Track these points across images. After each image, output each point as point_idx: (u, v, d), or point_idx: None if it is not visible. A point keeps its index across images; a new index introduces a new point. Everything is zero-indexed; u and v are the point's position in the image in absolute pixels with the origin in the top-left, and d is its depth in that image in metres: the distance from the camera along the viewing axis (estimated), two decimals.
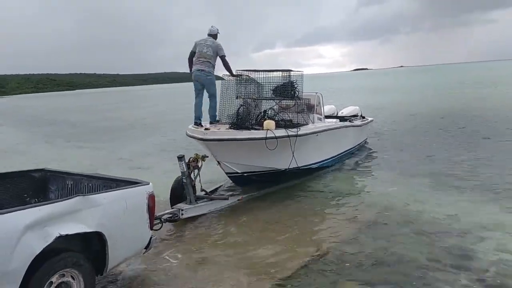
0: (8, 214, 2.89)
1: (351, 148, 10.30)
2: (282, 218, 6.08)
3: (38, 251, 2.94)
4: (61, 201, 3.31)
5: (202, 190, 6.73)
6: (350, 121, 10.61)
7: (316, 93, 9.02)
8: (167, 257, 4.90)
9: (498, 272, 4.06)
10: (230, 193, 7.64)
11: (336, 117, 11.00)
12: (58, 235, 3.07)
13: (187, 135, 7.36)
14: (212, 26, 8.03)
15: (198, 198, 6.47)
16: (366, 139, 11.95)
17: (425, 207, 6.07)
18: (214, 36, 7.92)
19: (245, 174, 7.36)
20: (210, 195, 6.79)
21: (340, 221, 5.77)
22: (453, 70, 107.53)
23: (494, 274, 4.04)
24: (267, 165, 7.44)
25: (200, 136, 6.77)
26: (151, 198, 4.09)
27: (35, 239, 2.94)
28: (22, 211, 2.98)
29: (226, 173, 7.38)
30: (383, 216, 5.82)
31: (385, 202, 6.39)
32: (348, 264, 4.38)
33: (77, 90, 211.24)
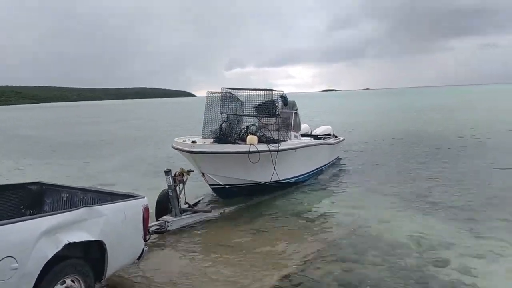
0: (27, 221, 3.09)
1: (324, 165, 10.80)
2: (249, 238, 6.04)
3: (50, 256, 3.09)
4: (70, 211, 3.48)
5: (186, 203, 6.92)
6: (324, 139, 11.14)
7: (293, 111, 9.48)
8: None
9: None
10: (211, 205, 7.88)
11: (310, 135, 11.51)
12: (67, 242, 3.24)
13: (173, 147, 7.63)
14: None
15: (182, 211, 6.67)
16: (338, 157, 12.51)
17: (390, 227, 6.24)
18: None
19: (227, 186, 7.69)
20: (194, 208, 7.00)
21: (308, 242, 5.81)
22: (415, 94, 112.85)
23: None
24: (249, 178, 7.80)
25: (187, 149, 7.11)
26: (146, 210, 4.30)
27: (48, 245, 3.10)
28: (39, 219, 3.17)
29: (210, 185, 7.71)
30: (349, 237, 5.89)
31: (351, 222, 6.53)
32: (316, 287, 4.42)
33: (41, 104, 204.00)
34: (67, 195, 4.73)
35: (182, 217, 6.53)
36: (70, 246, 3.29)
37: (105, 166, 13.09)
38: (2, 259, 2.75)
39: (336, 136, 12.32)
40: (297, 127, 9.72)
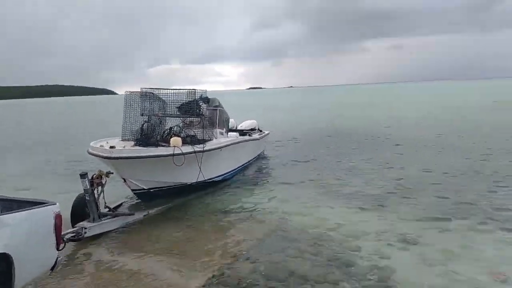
0: None
1: (250, 160, 11.02)
2: (176, 239, 5.99)
3: None
4: None
5: (106, 207, 6.60)
6: (249, 134, 11.36)
7: (217, 109, 9.51)
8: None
9: (374, 275, 4.52)
10: (135, 206, 7.64)
11: (236, 130, 11.61)
12: None
13: (89, 153, 7.13)
14: None
15: (102, 215, 6.34)
16: (263, 151, 12.85)
17: (311, 219, 6.52)
18: None
19: (152, 190, 7.44)
20: (114, 212, 6.68)
21: (234, 239, 5.88)
22: (335, 91, 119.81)
23: (373, 278, 4.46)
24: (174, 180, 7.64)
25: (106, 155, 6.62)
26: (58, 217, 4.05)
27: None
28: None
29: (132, 190, 7.39)
30: (273, 231, 6.05)
31: (275, 217, 6.71)
32: (244, 285, 4.46)
33: None
34: None
35: (102, 221, 6.22)
36: None
37: (16, 171, 11.97)
38: None
39: (261, 131, 12.57)
40: (223, 124, 9.76)
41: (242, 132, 11.50)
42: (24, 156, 15.10)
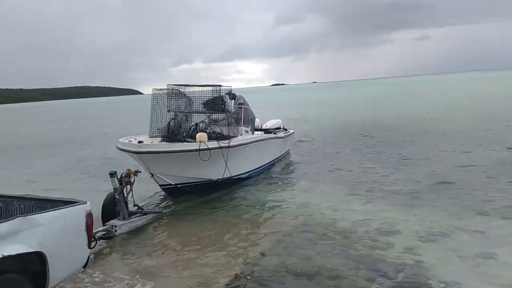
0: None
1: (275, 158, 10.91)
2: (204, 234, 6.02)
3: None
4: (2, 222, 3.19)
5: (135, 205, 6.68)
6: (274, 133, 11.26)
7: (242, 106, 9.46)
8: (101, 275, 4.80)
9: (406, 272, 4.40)
10: (163, 204, 7.69)
11: (261, 129, 11.57)
12: (1, 255, 2.97)
13: (118, 148, 7.29)
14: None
15: (131, 213, 6.42)
16: (289, 150, 12.71)
17: (339, 215, 6.39)
18: None
19: (179, 186, 7.52)
20: (143, 210, 6.78)
21: (261, 235, 5.86)
22: (359, 86, 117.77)
23: (404, 275, 4.34)
24: (201, 176, 7.67)
25: (134, 149, 6.81)
26: (89, 216, 4.07)
27: None
28: None
29: (160, 185, 7.49)
30: (301, 227, 5.98)
31: (303, 213, 6.63)
32: (270, 280, 4.42)
33: None
34: (1, 204, 4.36)
35: (131, 220, 6.29)
36: (5, 259, 3.03)
37: (45, 171, 12.29)
38: None
39: (286, 129, 12.47)
40: (248, 122, 9.71)
41: (267, 131, 11.43)
42: (53, 155, 15.52)
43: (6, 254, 3.03)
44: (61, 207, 3.86)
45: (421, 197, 7.14)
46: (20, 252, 3.18)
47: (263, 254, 5.09)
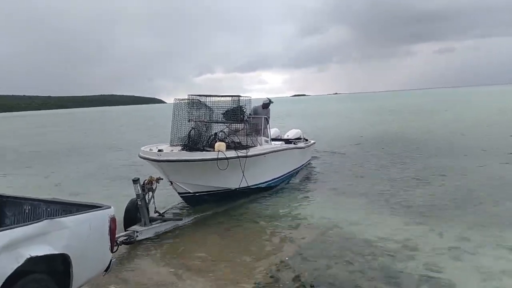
0: None
1: (295, 169, 10.89)
2: (222, 244, 6.03)
3: (10, 272, 2.96)
4: (31, 223, 3.34)
5: (156, 211, 6.83)
6: (294, 143, 11.26)
7: (262, 117, 9.56)
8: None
9: None
10: (182, 211, 7.83)
11: (281, 139, 11.59)
12: (29, 256, 3.11)
13: (140, 156, 7.53)
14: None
15: (152, 220, 6.57)
16: (310, 160, 12.68)
17: (360, 228, 6.36)
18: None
19: (197, 194, 7.67)
20: (164, 216, 6.93)
21: (278, 246, 5.85)
22: (380, 98, 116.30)
23: None
24: (219, 185, 7.79)
25: (153, 158, 7.05)
26: (113, 221, 4.20)
27: (8, 260, 2.96)
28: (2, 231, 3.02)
29: (179, 193, 7.65)
30: (319, 239, 5.98)
31: (321, 225, 6.61)
32: None
33: (3, 113, 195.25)
34: (29, 207, 4.54)
35: (152, 226, 6.43)
36: (32, 260, 3.17)
37: (71, 175, 12.69)
38: None
39: (306, 140, 12.47)
40: (268, 132, 9.81)
41: (287, 141, 11.44)
42: (78, 161, 15.97)
43: (33, 255, 3.17)
44: (86, 211, 4.01)
45: (444, 212, 7.04)
46: (46, 253, 3.32)
47: (278, 266, 5.08)
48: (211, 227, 6.85)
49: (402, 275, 4.65)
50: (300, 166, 11.44)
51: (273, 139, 10.59)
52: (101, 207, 4.23)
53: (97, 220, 4.03)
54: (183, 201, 8.03)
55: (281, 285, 4.55)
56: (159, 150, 7.24)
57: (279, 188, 9.49)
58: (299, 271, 4.87)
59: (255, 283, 4.61)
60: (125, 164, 13.96)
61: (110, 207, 4.28)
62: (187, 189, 7.54)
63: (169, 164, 7.05)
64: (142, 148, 7.76)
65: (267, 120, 9.72)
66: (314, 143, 12.94)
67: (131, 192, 6.45)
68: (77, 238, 3.69)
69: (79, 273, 3.70)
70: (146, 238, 6.20)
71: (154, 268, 5.32)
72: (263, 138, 9.22)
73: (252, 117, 9.14)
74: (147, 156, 7.27)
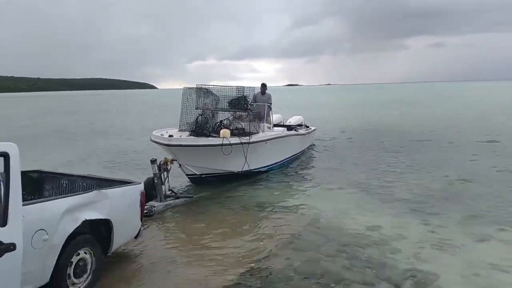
0: (54, 201, 3.64)
1: (295, 154, 11.52)
2: (210, 232, 6.00)
3: (71, 231, 3.62)
4: (83, 193, 3.99)
5: (170, 189, 7.54)
6: (295, 130, 11.92)
7: (266, 104, 10.22)
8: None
9: (413, 279, 4.36)
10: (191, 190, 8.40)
11: (283, 126, 12.22)
12: (84, 219, 3.77)
13: (152, 140, 8.20)
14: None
15: (166, 196, 7.26)
16: (310, 145, 13.31)
17: (349, 219, 6.38)
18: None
19: (203, 176, 8.34)
20: (176, 194, 7.60)
21: (270, 234, 5.84)
22: (374, 90, 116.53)
23: (410, 281, 4.32)
24: (223, 168, 8.47)
25: (164, 142, 7.72)
26: (143, 195, 4.87)
27: (69, 221, 3.63)
28: (62, 199, 3.71)
29: (187, 175, 8.34)
30: (309, 229, 5.98)
31: (312, 215, 6.62)
32: (277, 280, 4.42)
33: None
34: (66, 182, 5.13)
35: (166, 202, 7.10)
36: (85, 223, 3.82)
37: (66, 159, 12.66)
38: (37, 231, 3.24)
39: (307, 126, 13.05)
40: (271, 119, 10.48)
41: (289, 128, 12.07)
42: (85, 144, 16.31)
43: (87, 218, 3.84)
44: (124, 185, 4.65)
45: (433, 204, 7.15)
46: (95, 218, 3.98)
47: (269, 254, 5.12)
48: (199, 215, 6.84)
49: (390, 266, 4.71)
50: (300, 152, 12.03)
51: (275, 125, 11.27)
52: (132, 182, 4.89)
53: (132, 193, 4.70)
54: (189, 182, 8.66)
55: (270, 273, 4.57)
56: (170, 136, 7.85)
57: (276, 174, 9.87)
58: (289, 260, 4.90)
59: (242, 272, 4.60)
60: (134, 148, 14.27)
61: (140, 183, 4.96)
62: (194, 171, 8.20)
63: (178, 148, 7.70)
64: (154, 133, 8.38)
65: (269, 107, 10.35)
66: (315, 129, 13.52)
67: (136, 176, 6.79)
68: (117, 207, 4.35)
69: (118, 237, 4.39)
70: (161, 211, 6.84)
71: (168, 236, 5.83)
72: (266, 125, 9.85)
73: (256, 104, 9.77)
74: (158, 141, 7.91)
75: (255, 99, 10.43)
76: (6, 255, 2.83)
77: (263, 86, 10.60)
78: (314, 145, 13.96)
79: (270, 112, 10.43)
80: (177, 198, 7.40)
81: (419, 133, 16.94)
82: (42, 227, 3.31)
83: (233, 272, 4.60)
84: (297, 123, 12.65)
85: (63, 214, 3.55)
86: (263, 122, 9.76)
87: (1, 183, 2.90)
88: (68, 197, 3.78)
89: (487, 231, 5.80)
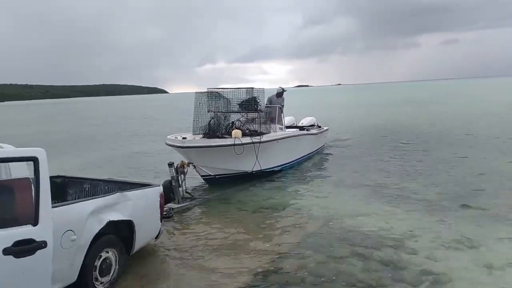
0: (80, 203, 3.83)
1: (308, 154, 11.63)
2: (224, 232, 6.02)
3: (96, 231, 3.80)
4: (107, 195, 4.17)
5: (187, 192, 7.76)
6: (307, 130, 12.06)
7: (276, 106, 10.42)
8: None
9: (429, 280, 4.29)
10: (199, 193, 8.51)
11: (296, 127, 12.42)
12: (108, 220, 3.94)
13: (167, 144, 8.53)
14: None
15: (183, 198, 7.46)
16: (323, 145, 13.42)
17: (363, 220, 6.32)
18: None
19: (217, 176, 8.57)
20: (193, 196, 7.82)
21: (282, 235, 5.83)
22: (386, 89, 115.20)
23: (426, 283, 4.24)
24: (236, 168, 8.69)
25: (178, 144, 8.04)
26: (162, 197, 5.04)
27: (95, 222, 3.82)
28: (87, 201, 3.91)
29: (201, 176, 8.57)
30: (323, 229, 5.96)
31: (325, 215, 6.60)
32: (291, 281, 4.39)
33: (5, 102, 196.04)
34: (89, 186, 5.33)
35: (184, 204, 7.29)
36: (110, 223, 3.98)
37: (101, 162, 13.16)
38: (66, 231, 3.42)
39: (319, 127, 13.19)
40: (282, 119, 10.65)
41: (302, 128, 12.23)
42: (96, 149, 16.64)
43: (111, 219, 4.01)
44: (144, 188, 4.82)
45: (448, 204, 7.08)
46: (119, 219, 4.15)
47: (281, 255, 5.10)
48: (213, 216, 6.93)
49: (405, 266, 4.66)
50: (313, 152, 12.12)
51: (288, 127, 11.45)
52: (152, 185, 5.06)
53: (152, 195, 4.87)
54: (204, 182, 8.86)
55: (283, 274, 4.57)
56: (183, 138, 8.15)
57: (288, 174, 9.92)
58: (302, 261, 4.88)
59: (256, 273, 4.60)
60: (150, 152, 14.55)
61: (159, 186, 5.13)
62: (208, 172, 8.44)
63: (192, 150, 7.97)
64: (168, 137, 8.70)
65: (281, 109, 10.53)
66: (327, 129, 13.62)
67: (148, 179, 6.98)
68: (138, 208, 4.53)
69: (139, 237, 4.56)
70: (179, 213, 6.97)
71: (187, 237, 5.91)
72: (277, 126, 10.04)
73: (267, 106, 9.98)
74: (173, 144, 8.23)
75: (270, 101, 10.73)
76: (38, 252, 3.03)
77: (281, 89, 10.94)
78: (326, 145, 14.05)
79: (282, 114, 10.57)
80: (193, 199, 7.58)
81: (432, 132, 16.80)
82: (70, 228, 3.49)
83: (246, 273, 4.60)
84: (310, 124, 12.78)
85: (89, 215, 3.74)
86: (275, 123, 9.91)
87: (32, 186, 3.09)
88: (93, 199, 3.96)
89: (503, 230, 5.69)
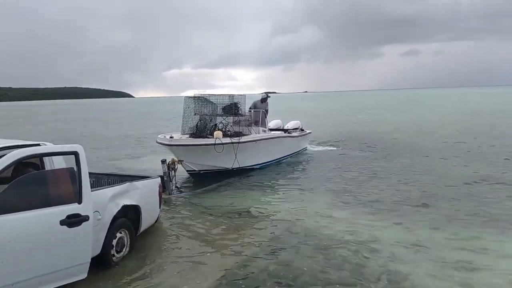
0: (101, 190, 4.53)
1: (287, 155, 12.44)
2: (186, 236, 5.88)
3: (114, 213, 4.49)
4: (120, 184, 4.89)
5: (176, 186, 8.54)
6: (289, 132, 12.98)
7: (260, 110, 11.45)
8: None
9: (389, 280, 4.43)
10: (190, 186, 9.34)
11: (281, 129, 13.35)
12: (123, 204, 4.61)
13: (157, 142, 9.36)
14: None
15: (172, 191, 8.25)
16: (305, 148, 14.23)
17: (327, 222, 6.46)
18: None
19: (201, 172, 9.42)
20: (180, 189, 8.69)
21: (246, 238, 5.81)
22: (351, 97, 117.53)
23: (385, 281, 4.39)
24: (217, 165, 9.54)
25: (166, 143, 8.93)
26: (160, 187, 5.74)
27: (113, 206, 4.52)
28: (107, 188, 4.64)
29: (187, 171, 9.39)
30: (286, 232, 6.03)
31: (291, 217, 6.71)
32: (254, 284, 4.37)
33: None
34: (93, 179, 5.82)
35: (173, 195, 8.08)
36: (124, 207, 4.64)
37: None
38: (94, 212, 4.03)
39: (302, 130, 14.03)
40: (265, 123, 11.68)
41: (285, 131, 13.15)
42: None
43: (125, 203, 4.66)
44: (147, 179, 5.50)
45: (408, 208, 7.31)
46: (129, 203, 4.81)
47: (245, 257, 5.09)
48: (199, 208, 7.29)
49: (365, 266, 4.82)
50: (293, 153, 12.95)
51: (274, 129, 12.52)
52: (151, 177, 5.74)
53: (153, 185, 5.60)
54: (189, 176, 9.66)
55: (246, 277, 4.55)
56: (171, 137, 9.00)
57: (265, 174, 10.40)
58: (263, 264, 4.88)
59: (219, 277, 4.53)
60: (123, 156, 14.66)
61: (158, 177, 5.85)
62: (193, 167, 9.28)
63: (178, 147, 8.85)
64: (159, 136, 9.47)
65: (265, 113, 11.54)
66: (309, 132, 14.47)
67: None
68: (143, 196, 5.25)
69: (145, 220, 5.28)
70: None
71: (174, 221, 6.46)
72: (261, 128, 10.99)
73: (253, 110, 11.05)
74: (162, 142, 9.07)
75: (255, 106, 11.85)
76: (84, 223, 3.75)
77: (266, 95, 12.12)
78: (306, 151, 14.46)
79: (266, 118, 11.61)
80: (180, 192, 8.44)
81: (395, 139, 17.35)
82: (97, 209, 4.12)
83: (208, 280, 4.46)
84: (293, 127, 13.68)
85: (109, 200, 4.45)
86: (259, 125, 10.81)
87: (76, 173, 3.82)
88: (112, 187, 4.74)
89: (461, 232, 5.96)
